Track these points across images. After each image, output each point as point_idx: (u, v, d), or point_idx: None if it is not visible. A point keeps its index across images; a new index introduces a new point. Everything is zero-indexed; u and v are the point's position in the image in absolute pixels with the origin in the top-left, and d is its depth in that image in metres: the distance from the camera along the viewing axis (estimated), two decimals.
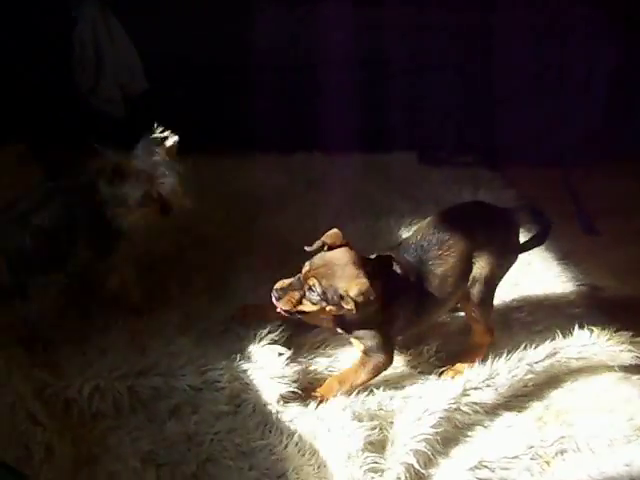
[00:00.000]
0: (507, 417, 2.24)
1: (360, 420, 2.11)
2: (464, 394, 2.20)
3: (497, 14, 3.62)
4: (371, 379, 2.24)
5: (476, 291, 2.28)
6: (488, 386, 2.24)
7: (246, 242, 2.98)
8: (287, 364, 2.31)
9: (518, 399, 2.29)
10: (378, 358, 2.22)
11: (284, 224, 3.08)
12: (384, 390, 2.27)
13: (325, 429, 2.09)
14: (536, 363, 2.31)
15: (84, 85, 3.55)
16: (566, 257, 2.99)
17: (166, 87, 3.59)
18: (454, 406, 2.16)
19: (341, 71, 3.61)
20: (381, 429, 2.11)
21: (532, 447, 2.13)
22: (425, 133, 3.73)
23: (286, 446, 2.09)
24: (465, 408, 2.18)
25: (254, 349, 2.37)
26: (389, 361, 2.24)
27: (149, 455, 2.06)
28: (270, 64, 3.59)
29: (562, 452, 2.14)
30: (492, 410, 2.23)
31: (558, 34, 3.59)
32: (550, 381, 2.35)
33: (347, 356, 2.39)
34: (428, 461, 2.06)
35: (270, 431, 2.14)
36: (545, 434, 2.17)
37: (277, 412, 2.18)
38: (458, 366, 2.34)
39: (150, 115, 3.51)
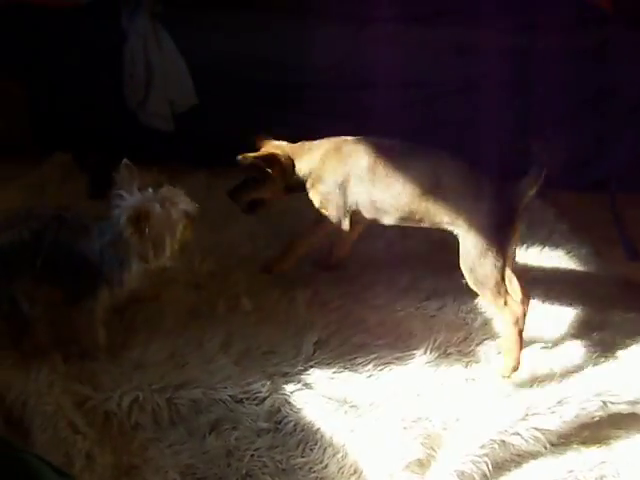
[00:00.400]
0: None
1: (410, 436, 2.10)
2: (523, 419, 2.16)
3: (546, 36, 3.61)
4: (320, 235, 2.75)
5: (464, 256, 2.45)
6: (553, 413, 2.19)
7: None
8: (332, 384, 2.31)
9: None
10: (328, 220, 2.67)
11: (334, 248, 3.04)
12: (437, 407, 2.25)
13: (369, 446, 2.08)
14: (613, 404, 2.24)
15: (133, 99, 3.62)
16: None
17: (215, 103, 3.61)
18: (511, 430, 2.12)
19: (391, 91, 3.60)
20: (427, 446, 2.09)
21: (572, 471, 2.09)
22: (479, 160, 3.69)
23: (326, 465, 2.08)
24: (526, 434, 2.12)
25: (297, 369, 2.38)
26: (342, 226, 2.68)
27: (189, 469, 2.07)
28: (320, 82, 3.63)
29: (602, 477, 2.08)
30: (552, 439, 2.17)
31: (607, 57, 3.57)
32: None
33: (393, 377, 2.38)
34: None
35: (311, 449, 2.13)
36: (586, 458, 2.13)
37: (319, 431, 2.16)
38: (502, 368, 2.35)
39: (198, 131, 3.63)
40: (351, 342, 2.52)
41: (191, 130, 3.64)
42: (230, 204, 3.26)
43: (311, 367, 2.38)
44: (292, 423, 2.18)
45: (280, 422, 2.19)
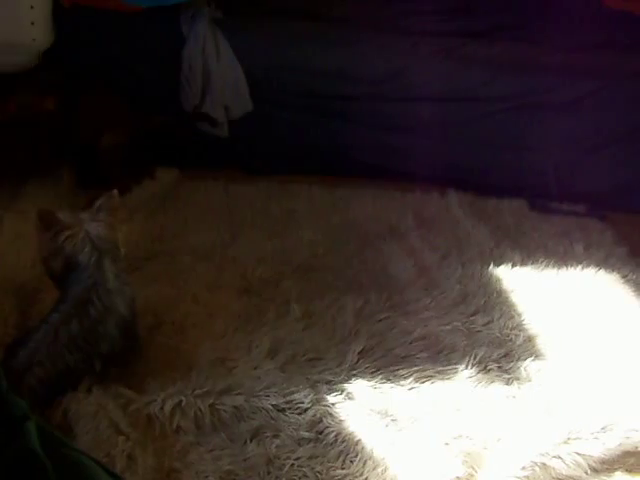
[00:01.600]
0: None
1: (450, 454, 2.12)
2: (565, 442, 2.16)
3: (604, 55, 3.63)
4: None
5: None
6: (596, 439, 2.18)
7: (347, 274, 3.03)
8: (373, 394, 2.34)
9: None
10: None
11: (389, 260, 3.13)
12: (478, 424, 2.26)
13: (409, 461, 2.10)
14: None
15: (189, 104, 3.69)
16: None
17: (269, 111, 3.70)
18: (552, 452, 2.12)
19: (445, 106, 3.63)
20: (467, 464, 2.10)
21: None
22: (535, 179, 3.69)
23: (366, 479, 2.09)
24: (567, 458, 2.12)
25: (340, 378, 2.41)
26: None
27: (228, 475, 2.10)
28: (373, 94, 3.64)
29: None
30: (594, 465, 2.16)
31: None
32: None
33: (434, 390, 2.40)
34: None
35: (352, 461, 2.14)
36: None
37: (360, 443, 2.18)
38: None
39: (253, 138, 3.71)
40: (394, 353, 2.55)
41: (245, 137, 3.72)
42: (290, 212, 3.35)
43: (354, 376, 2.42)
44: (333, 434, 2.20)
45: (321, 432, 2.22)
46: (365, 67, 3.59)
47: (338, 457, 2.15)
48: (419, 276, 3.00)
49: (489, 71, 3.55)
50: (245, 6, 3.82)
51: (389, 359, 2.52)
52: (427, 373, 2.46)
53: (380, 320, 2.73)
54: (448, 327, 2.70)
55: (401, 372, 2.46)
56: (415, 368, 2.47)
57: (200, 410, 2.23)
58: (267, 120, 3.70)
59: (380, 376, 2.42)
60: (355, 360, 2.50)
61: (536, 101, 3.54)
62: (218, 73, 3.60)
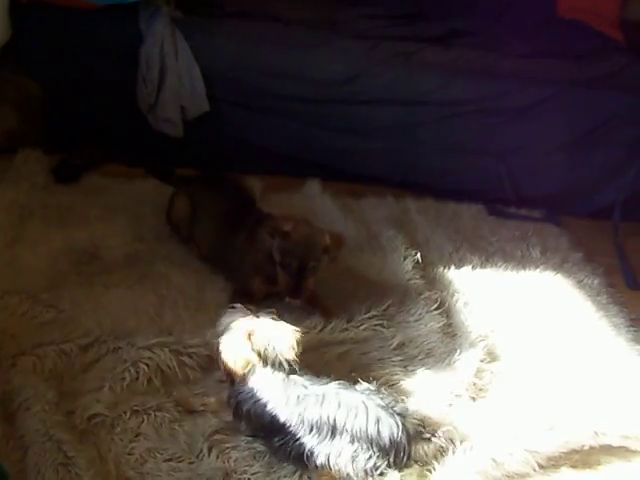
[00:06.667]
0: None
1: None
2: (515, 440, 2.32)
3: (559, 63, 3.82)
4: None
5: None
6: (544, 437, 2.34)
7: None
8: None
9: None
10: None
11: (360, 263, 3.23)
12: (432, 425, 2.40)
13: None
14: (604, 435, 2.40)
15: (145, 103, 3.78)
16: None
17: (226, 111, 3.82)
18: (503, 449, 2.27)
19: (401, 109, 3.77)
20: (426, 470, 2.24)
21: None
22: (491, 183, 3.86)
23: None
24: (517, 455, 2.27)
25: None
26: None
27: None
28: (330, 96, 3.77)
29: None
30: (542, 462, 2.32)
31: (618, 87, 3.68)
32: None
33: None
34: None
35: (309, 477, 2.24)
36: None
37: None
38: None
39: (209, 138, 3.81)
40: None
41: (201, 136, 3.85)
42: None
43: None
44: None
45: None
46: (322, 69, 3.72)
47: (294, 472, 2.25)
48: (383, 280, 3.15)
49: (444, 76, 3.70)
50: (204, 7, 3.93)
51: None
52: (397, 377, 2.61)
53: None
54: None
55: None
56: (373, 374, 2.56)
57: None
58: (223, 120, 3.82)
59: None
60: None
61: (490, 106, 3.70)
62: (175, 73, 3.70)
